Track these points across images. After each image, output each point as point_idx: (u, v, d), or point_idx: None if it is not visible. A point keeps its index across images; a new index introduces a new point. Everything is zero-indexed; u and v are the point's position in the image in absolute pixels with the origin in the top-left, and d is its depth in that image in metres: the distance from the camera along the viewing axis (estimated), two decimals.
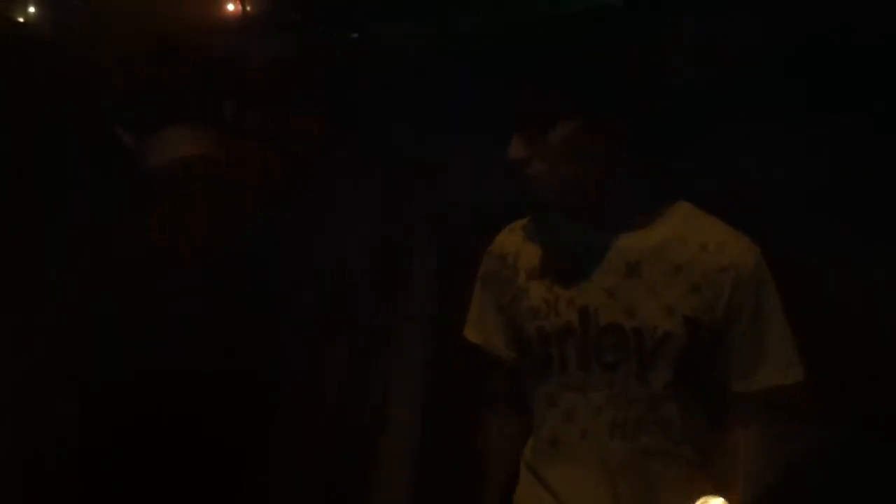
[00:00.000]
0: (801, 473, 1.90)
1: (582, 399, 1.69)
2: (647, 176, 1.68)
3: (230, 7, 3.44)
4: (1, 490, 2.02)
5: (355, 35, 3.19)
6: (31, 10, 3.11)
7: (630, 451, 1.67)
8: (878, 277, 2.30)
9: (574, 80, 1.67)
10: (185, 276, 2.08)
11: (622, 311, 1.66)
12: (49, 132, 2.42)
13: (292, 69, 3.02)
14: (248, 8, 3.40)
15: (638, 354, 1.65)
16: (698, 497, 1.65)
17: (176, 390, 2.00)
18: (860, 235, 2.25)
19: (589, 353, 1.67)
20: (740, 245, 1.68)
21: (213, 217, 2.12)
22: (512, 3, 2.79)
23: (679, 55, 2.49)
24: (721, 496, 1.61)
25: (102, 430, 2.01)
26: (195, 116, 2.38)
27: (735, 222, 1.73)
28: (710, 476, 1.70)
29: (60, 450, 2.03)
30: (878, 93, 2.32)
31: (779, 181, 2.33)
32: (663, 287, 1.65)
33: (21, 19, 3.09)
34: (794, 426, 1.74)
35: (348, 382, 2.79)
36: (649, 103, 1.68)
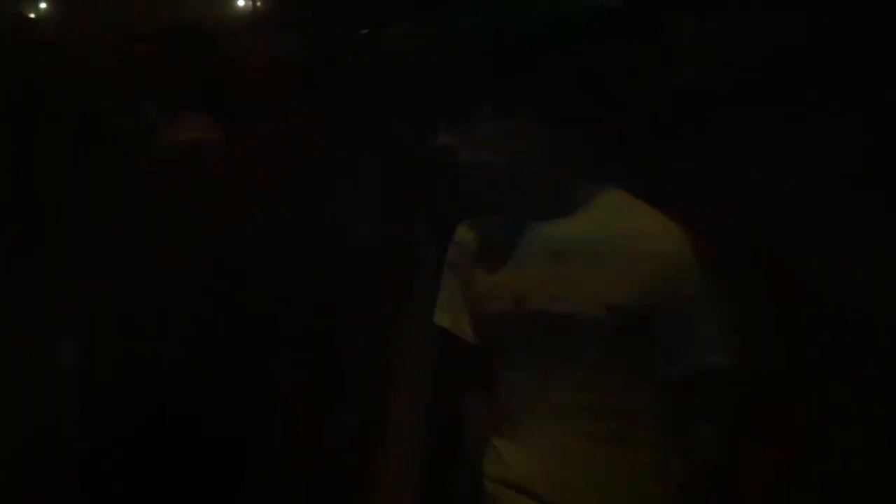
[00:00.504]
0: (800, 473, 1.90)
1: (527, 381, 1.76)
2: (579, 165, 1.71)
3: (241, 3, 3.43)
4: (1, 490, 2.01)
5: (365, 31, 3.19)
6: (42, 5, 3.10)
7: (567, 434, 1.72)
8: (878, 277, 2.30)
9: (496, 75, 1.75)
10: (185, 276, 2.08)
11: (550, 298, 1.72)
12: (55, 130, 2.42)
13: (296, 68, 3.02)
14: (259, 4, 3.40)
15: (567, 341, 1.71)
16: (639, 481, 1.68)
17: (175, 390, 2.00)
18: (860, 235, 2.25)
19: (525, 338, 1.73)
20: (666, 232, 1.72)
21: (214, 206, 2.12)
22: (512, 3, 2.79)
23: (679, 55, 2.49)
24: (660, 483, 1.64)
25: (102, 430, 2.01)
26: (198, 112, 2.38)
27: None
28: (653, 461, 1.72)
29: (60, 449, 2.03)
30: (878, 93, 2.32)
31: (779, 181, 2.33)
32: (589, 274, 1.69)
33: (32, 15, 3.09)
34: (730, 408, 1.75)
35: (348, 382, 2.79)
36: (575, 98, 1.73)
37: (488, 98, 1.73)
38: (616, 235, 1.72)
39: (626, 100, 1.76)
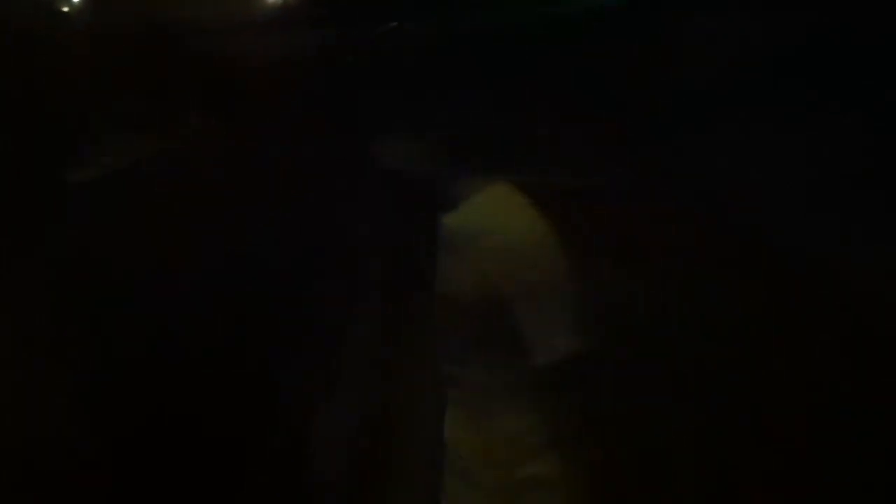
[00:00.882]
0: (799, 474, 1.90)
1: (444, 360, 1.89)
2: (467, 162, 1.81)
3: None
4: (1, 490, 2.02)
5: (394, 24, 3.19)
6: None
7: (462, 409, 1.83)
8: (879, 277, 2.30)
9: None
10: (183, 276, 2.09)
11: (440, 285, 1.85)
12: (56, 128, 2.43)
13: (298, 67, 3.02)
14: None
15: (445, 328, 1.83)
16: (539, 467, 1.73)
17: (175, 391, 2.00)
18: (860, 235, 2.26)
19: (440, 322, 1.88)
20: (520, 226, 1.80)
21: (213, 206, 2.13)
22: (512, 2, 2.79)
23: (679, 55, 2.49)
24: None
25: (101, 431, 2.01)
26: (198, 112, 2.38)
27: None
28: (541, 449, 1.76)
29: (59, 450, 2.03)
30: (878, 93, 2.32)
31: (778, 181, 2.33)
32: (457, 264, 1.81)
33: (66, 9, 3.06)
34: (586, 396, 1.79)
35: (350, 382, 2.79)
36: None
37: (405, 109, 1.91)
38: (479, 228, 1.85)
39: (626, 100, 1.77)
